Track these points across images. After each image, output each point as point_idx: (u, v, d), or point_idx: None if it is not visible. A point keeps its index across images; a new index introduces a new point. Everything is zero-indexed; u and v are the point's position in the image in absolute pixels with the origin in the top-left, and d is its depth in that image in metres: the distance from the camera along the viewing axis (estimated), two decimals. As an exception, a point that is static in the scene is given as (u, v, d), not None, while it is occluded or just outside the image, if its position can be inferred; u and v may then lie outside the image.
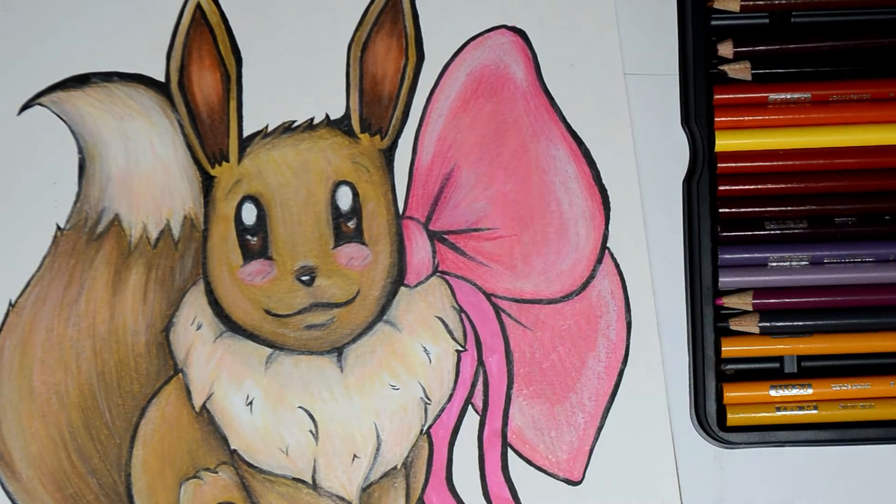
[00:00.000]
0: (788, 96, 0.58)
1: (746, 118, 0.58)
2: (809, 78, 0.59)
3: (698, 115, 0.58)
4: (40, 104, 0.59)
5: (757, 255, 0.58)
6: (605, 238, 0.59)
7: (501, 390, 0.58)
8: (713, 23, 0.60)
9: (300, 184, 0.58)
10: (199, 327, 0.58)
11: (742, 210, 0.58)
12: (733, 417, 0.57)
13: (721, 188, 0.58)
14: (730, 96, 0.59)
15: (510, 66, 0.60)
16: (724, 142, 0.58)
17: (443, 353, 0.58)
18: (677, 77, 0.59)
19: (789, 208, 0.58)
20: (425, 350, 0.58)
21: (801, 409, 0.57)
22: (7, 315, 0.58)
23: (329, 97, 0.59)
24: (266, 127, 0.59)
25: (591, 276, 0.59)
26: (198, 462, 0.58)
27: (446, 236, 0.59)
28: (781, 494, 0.59)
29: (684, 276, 0.58)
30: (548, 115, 0.60)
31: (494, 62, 0.60)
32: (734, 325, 0.58)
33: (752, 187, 0.58)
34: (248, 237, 0.58)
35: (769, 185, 0.58)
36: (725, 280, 0.58)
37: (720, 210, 0.58)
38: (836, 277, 0.58)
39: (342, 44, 0.60)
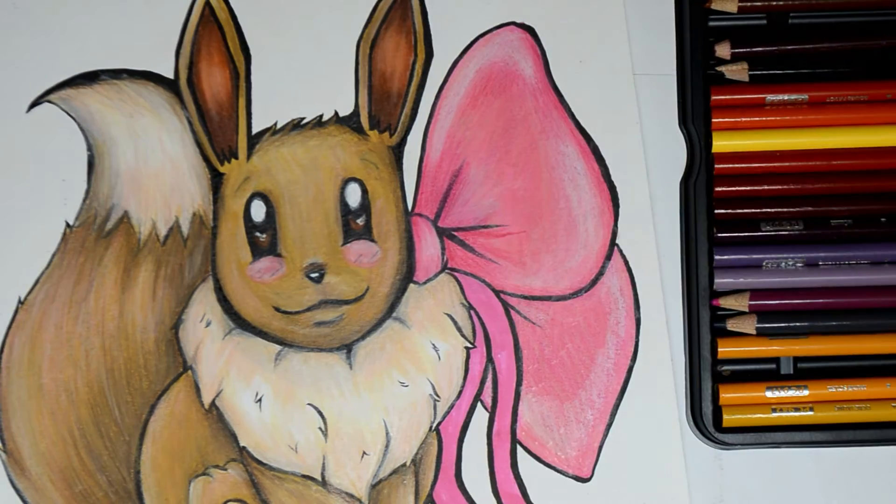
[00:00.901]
0: (786, 97, 0.58)
1: (743, 119, 0.58)
2: (807, 79, 0.59)
3: (695, 116, 0.58)
4: (49, 101, 0.60)
5: (753, 256, 0.58)
6: (615, 235, 0.59)
7: (510, 387, 0.58)
8: (711, 24, 0.60)
9: (309, 181, 0.58)
10: (208, 324, 0.58)
11: (738, 211, 0.58)
12: (729, 419, 0.57)
13: (718, 189, 0.58)
14: (727, 97, 0.59)
15: (519, 62, 0.60)
16: (722, 143, 0.58)
17: (452, 350, 0.58)
18: (675, 78, 0.59)
19: (786, 210, 0.58)
20: (434, 347, 0.58)
21: (797, 410, 0.57)
22: (16, 312, 0.58)
23: (338, 94, 0.59)
24: (275, 124, 0.59)
25: (601, 273, 0.59)
26: (207, 459, 0.58)
27: (455, 233, 0.59)
28: (782, 495, 0.59)
29: (681, 277, 0.58)
30: (557, 112, 0.60)
31: (503, 59, 0.60)
32: (731, 325, 0.58)
33: (748, 188, 0.58)
34: (257, 234, 0.58)
35: (766, 187, 0.58)
36: (722, 281, 0.58)
37: (716, 211, 0.58)
38: (833, 279, 0.58)
39: (351, 41, 0.60)
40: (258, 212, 0.58)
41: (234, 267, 0.58)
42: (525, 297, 0.59)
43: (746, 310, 0.58)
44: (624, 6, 0.60)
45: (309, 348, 0.58)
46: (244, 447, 0.58)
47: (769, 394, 0.57)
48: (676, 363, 0.58)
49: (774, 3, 0.59)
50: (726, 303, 0.58)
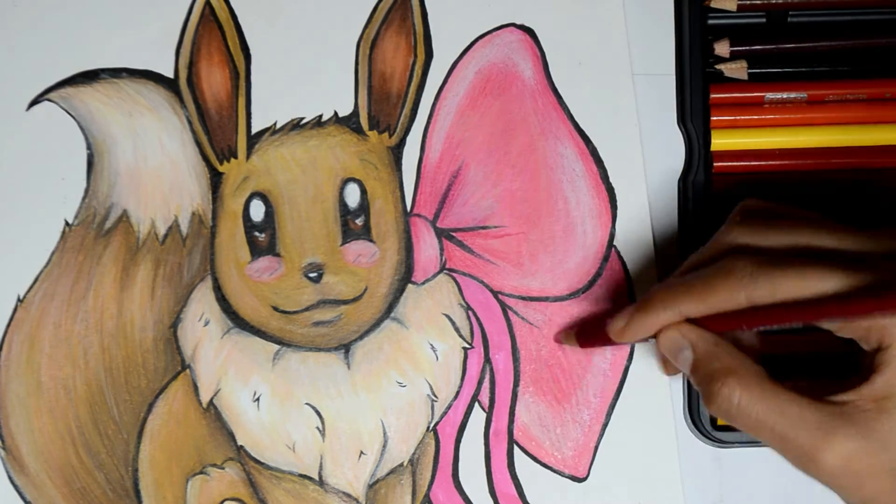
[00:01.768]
0: (785, 96, 0.58)
1: (742, 117, 0.59)
2: (806, 77, 0.59)
3: (694, 114, 0.58)
4: (49, 100, 0.59)
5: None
6: (612, 236, 0.59)
7: (508, 387, 0.59)
8: (710, 22, 0.60)
9: (308, 181, 0.58)
10: (206, 324, 0.58)
11: (737, 209, 0.58)
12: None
13: (716, 187, 0.58)
14: (726, 95, 0.59)
15: (518, 64, 0.60)
16: (720, 141, 0.58)
17: (450, 350, 0.58)
18: (673, 77, 0.59)
19: (784, 209, 0.58)
20: (432, 347, 0.58)
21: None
22: (15, 310, 0.58)
23: (337, 94, 0.59)
24: (275, 124, 0.59)
25: (598, 275, 0.59)
26: (205, 458, 0.58)
27: (454, 234, 0.59)
28: (782, 493, 0.59)
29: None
30: (556, 114, 0.60)
31: (503, 60, 0.60)
32: None
33: (747, 187, 0.58)
34: (256, 234, 0.58)
35: (764, 185, 0.58)
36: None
37: (715, 209, 0.58)
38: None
39: (351, 41, 0.60)
40: (257, 211, 0.58)
41: (233, 266, 0.58)
42: (523, 298, 0.59)
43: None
44: (623, 7, 0.60)
45: (307, 348, 0.58)
46: (242, 446, 0.58)
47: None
48: (674, 363, 0.59)
49: (774, 1, 0.59)
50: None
